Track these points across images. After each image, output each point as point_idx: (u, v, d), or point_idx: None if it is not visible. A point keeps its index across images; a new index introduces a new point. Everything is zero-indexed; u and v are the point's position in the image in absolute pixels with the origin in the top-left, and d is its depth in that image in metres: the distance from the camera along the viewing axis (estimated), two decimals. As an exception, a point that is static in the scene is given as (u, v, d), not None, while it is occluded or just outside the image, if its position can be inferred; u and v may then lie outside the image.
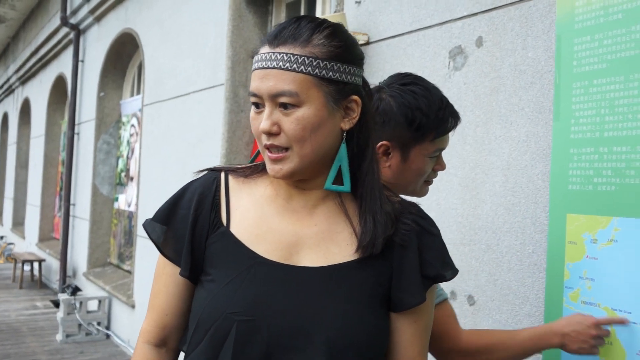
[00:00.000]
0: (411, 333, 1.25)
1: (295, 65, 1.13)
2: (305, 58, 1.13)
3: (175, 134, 5.24)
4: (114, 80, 7.35)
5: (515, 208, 2.26)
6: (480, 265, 2.39)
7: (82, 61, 8.03)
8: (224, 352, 1.15)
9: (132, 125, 6.96)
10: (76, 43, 8.04)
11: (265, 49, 1.16)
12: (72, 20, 8.03)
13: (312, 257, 1.20)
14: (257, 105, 1.17)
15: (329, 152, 1.20)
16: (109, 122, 7.39)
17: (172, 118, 5.33)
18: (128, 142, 7.10)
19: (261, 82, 1.14)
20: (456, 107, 2.51)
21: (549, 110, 2.11)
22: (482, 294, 2.38)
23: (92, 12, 7.40)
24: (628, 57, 1.70)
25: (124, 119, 7.30)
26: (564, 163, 1.85)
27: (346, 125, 1.20)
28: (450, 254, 2.50)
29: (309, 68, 1.13)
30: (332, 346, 1.13)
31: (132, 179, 6.86)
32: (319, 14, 3.82)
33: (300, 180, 1.22)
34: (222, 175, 1.29)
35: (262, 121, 1.14)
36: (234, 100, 4.28)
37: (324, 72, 1.15)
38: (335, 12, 3.24)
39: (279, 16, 4.38)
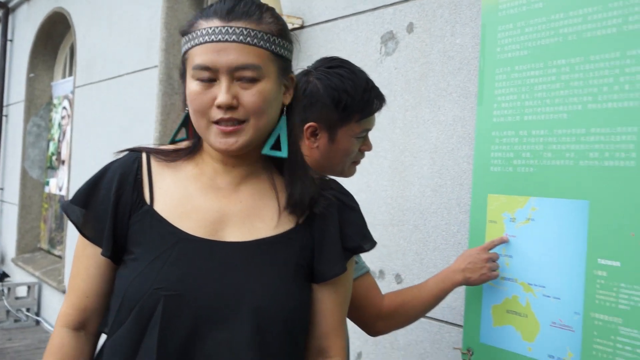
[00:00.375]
0: (332, 303, 1.30)
1: (256, 40, 1.16)
2: (264, 34, 1.18)
3: (108, 116, 5.14)
4: (45, 61, 7.12)
5: (442, 190, 2.34)
6: (408, 244, 2.46)
7: (11, 41, 7.75)
8: (151, 328, 1.15)
9: (64, 108, 6.77)
10: (4, 22, 7.75)
11: (216, 23, 1.16)
12: (0, -2, 7.74)
13: (237, 233, 1.23)
14: (207, 79, 1.16)
15: (274, 126, 1.25)
16: (39, 104, 7.16)
17: (104, 100, 5.23)
18: (59, 125, 6.91)
19: (218, 55, 1.15)
20: (386, 91, 2.58)
21: (475, 95, 2.19)
22: (409, 273, 2.45)
23: (21, -11, 7.15)
24: (547, 45, 1.78)
25: (55, 101, 7.09)
26: (486, 145, 1.93)
27: (287, 100, 1.27)
28: (380, 234, 2.57)
29: (267, 43, 1.18)
30: (259, 320, 1.17)
31: (63, 162, 6.69)
32: (255, -3, 3.81)
33: (233, 156, 1.24)
34: (144, 155, 1.29)
35: (218, 94, 1.15)
36: (168, 82, 4.23)
37: (277, 48, 1.20)
38: (270, -5, 3.24)
39: (215, -2, 4.35)
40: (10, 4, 7.66)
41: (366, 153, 2.63)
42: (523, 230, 1.82)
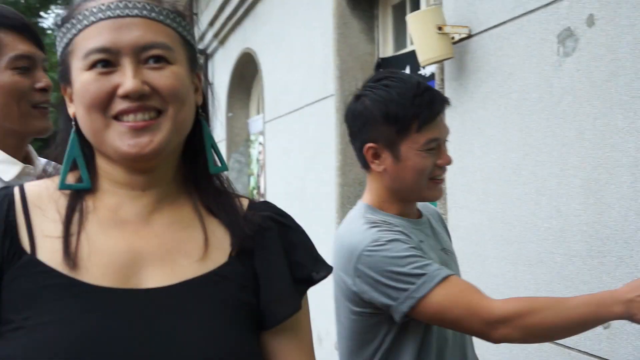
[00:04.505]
0: (294, 348, 1.03)
1: (162, 17, 0.95)
2: (170, 12, 0.97)
3: (294, 148, 5.19)
4: (240, 100, 7.48)
5: (649, 212, 1.91)
6: (612, 280, 2.04)
7: (212, 84, 8.26)
8: None
9: (260, 143, 7.04)
10: (205, 67, 8.31)
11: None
12: (200, 46, 8.32)
13: (157, 277, 0.95)
14: (104, 63, 0.92)
15: (188, 130, 1.01)
16: (238, 141, 7.53)
17: (290, 133, 5.29)
18: (257, 160, 7.20)
19: (119, 33, 0.92)
20: (570, 98, 2.20)
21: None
22: (616, 314, 2.03)
23: (216, 35, 7.60)
24: None
25: (252, 137, 7.41)
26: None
27: (199, 100, 1.05)
28: (577, 268, 2.17)
29: (175, 24, 0.98)
30: None
31: (263, 195, 6.94)
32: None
33: (143, 173, 0.98)
34: (17, 191, 0.99)
35: (125, 80, 0.91)
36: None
37: (186, 33, 1.01)
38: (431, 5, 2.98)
39: (385, 20, 4.18)
40: (209, 50, 8.19)
41: (553, 170, 2.27)
42: None
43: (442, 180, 1.52)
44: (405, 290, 1.37)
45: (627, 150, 1.98)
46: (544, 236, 2.34)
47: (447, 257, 1.62)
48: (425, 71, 3.48)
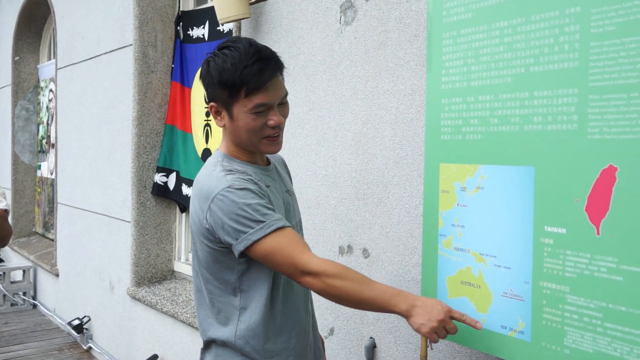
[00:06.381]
0: None
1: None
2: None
3: (89, 97, 5.09)
4: (30, 44, 7.05)
5: (403, 161, 2.29)
6: (374, 218, 2.42)
7: (-4, 24, 7.68)
8: None
9: (51, 90, 6.72)
10: (-11, 5, 7.67)
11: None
12: (-16, -19, 7.65)
13: None
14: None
15: None
16: (26, 87, 7.11)
17: (85, 81, 5.17)
18: (47, 108, 6.87)
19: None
20: (347, 62, 2.51)
21: (430, 62, 2.13)
22: (375, 247, 2.41)
23: (2, -28, 7.06)
24: (490, 6, 1.72)
25: (42, 84, 7.04)
26: (436, 114, 1.87)
27: None
28: (347, 208, 2.52)
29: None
30: None
31: (53, 145, 6.66)
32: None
33: None
34: None
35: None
36: (144, 61, 4.16)
37: None
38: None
39: (187, -27, 4.26)
40: (-6, -13, 7.57)
41: (331, 125, 2.59)
42: (474, 200, 1.77)
43: (276, 138, 1.72)
44: (244, 232, 1.60)
45: (390, 109, 2.34)
46: (321, 182, 2.67)
47: (290, 197, 1.89)
48: (223, 28, 3.66)
